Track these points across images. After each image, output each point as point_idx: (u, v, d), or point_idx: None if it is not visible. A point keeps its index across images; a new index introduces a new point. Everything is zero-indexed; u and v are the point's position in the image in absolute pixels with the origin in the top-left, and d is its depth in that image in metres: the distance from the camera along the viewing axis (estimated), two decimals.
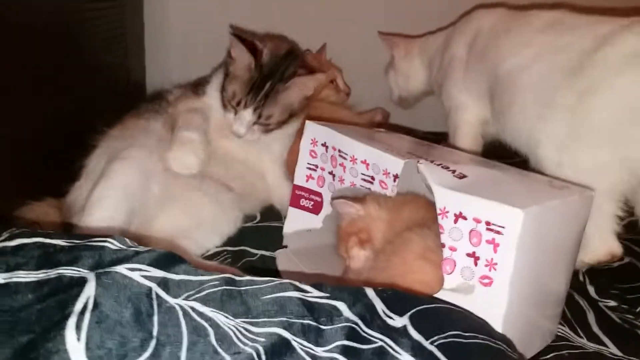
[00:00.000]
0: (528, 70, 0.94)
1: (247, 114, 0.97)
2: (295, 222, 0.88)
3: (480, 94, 1.10)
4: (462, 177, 0.65)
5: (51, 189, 0.87)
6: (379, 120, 1.40)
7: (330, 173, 0.84)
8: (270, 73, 0.98)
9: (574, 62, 0.87)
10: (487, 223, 0.58)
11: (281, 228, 0.91)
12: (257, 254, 0.88)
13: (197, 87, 1.05)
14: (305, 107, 1.06)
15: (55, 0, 0.97)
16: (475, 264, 0.59)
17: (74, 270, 0.48)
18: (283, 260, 0.85)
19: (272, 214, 1.03)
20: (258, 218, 1.01)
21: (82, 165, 0.88)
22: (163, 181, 0.84)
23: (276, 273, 0.82)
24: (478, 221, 0.58)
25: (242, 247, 0.89)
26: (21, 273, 0.46)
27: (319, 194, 0.86)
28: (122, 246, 0.53)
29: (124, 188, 0.75)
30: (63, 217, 0.83)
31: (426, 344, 0.48)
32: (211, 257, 0.86)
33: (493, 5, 1.21)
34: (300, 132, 1.06)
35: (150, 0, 1.46)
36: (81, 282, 0.46)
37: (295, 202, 0.88)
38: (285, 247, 0.88)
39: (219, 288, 0.51)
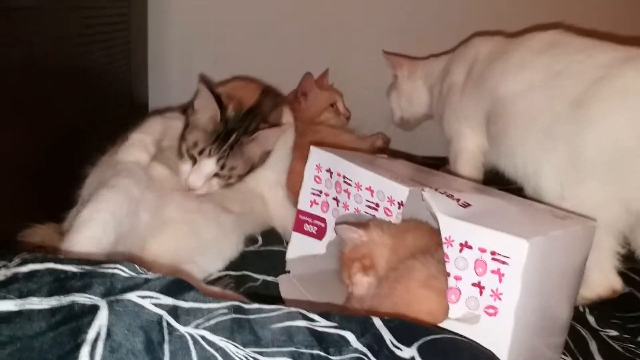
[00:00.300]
0: (525, 95, 0.94)
1: (210, 164, 0.92)
2: (299, 247, 0.88)
3: (479, 122, 1.09)
4: (466, 205, 0.66)
5: (52, 210, 0.87)
6: (380, 146, 1.41)
7: (335, 199, 0.84)
8: (234, 127, 0.95)
9: (572, 90, 0.86)
10: (493, 253, 0.59)
11: (283, 252, 0.91)
12: (259, 279, 0.88)
13: (187, 110, 1.03)
14: (264, 161, 1.02)
15: (61, 17, 0.98)
16: (481, 294, 0.60)
17: (86, 297, 0.48)
18: (286, 286, 0.86)
19: (274, 238, 1.03)
20: (260, 242, 1.01)
21: (78, 192, 0.88)
22: (154, 208, 0.84)
23: (279, 299, 0.82)
24: (483, 251, 0.59)
25: (244, 272, 0.89)
26: (34, 300, 0.46)
27: (323, 220, 0.87)
28: (132, 273, 0.53)
29: (111, 213, 0.75)
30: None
31: None
32: (214, 281, 0.86)
33: (492, 32, 1.23)
34: (298, 153, 1.07)
35: (153, 17, 1.48)
36: (93, 310, 0.46)
37: (299, 227, 0.88)
38: (288, 272, 0.89)
39: (228, 317, 0.51)
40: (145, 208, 0.82)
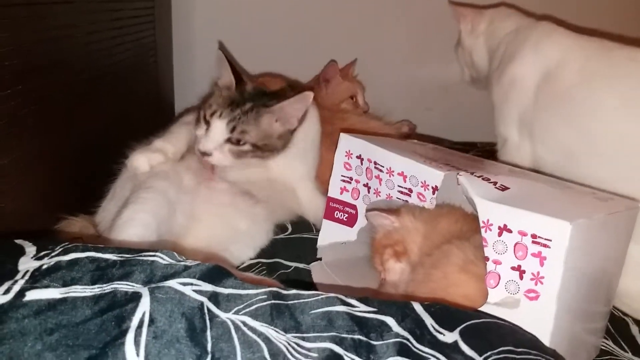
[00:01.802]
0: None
1: (220, 125, 0.89)
2: (330, 234, 0.88)
3: (546, 141, 0.94)
4: (504, 189, 0.65)
5: (83, 205, 0.89)
6: (406, 133, 1.40)
7: (365, 185, 0.84)
8: (251, 99, 0.93)
9: None
10: (533, 236, 0.57)
11: (313, 239, 0.91)
12: (291, 266, 0.88)
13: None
14: (286, 143, 0.97)
15: (90, 10, 0.98)
16: (521, 278, 0.58)
17: (128, 285, 0.48)
18: (318, 273, 0.85)
19: (304, 225, 1.03)
20: (290, 229, 1.01)
21: (109, 187, 0.89)
22: (189, 210, 0.84)
23: (312, 286, 0.82)
24: (524, 234, 0.58)
25: (275, 259, 0.89)
26: (78, 288, 0.47)
27: (354, 207, 0.86)
28: (171, 260, 0.53)
29: (152, 213, 0.75)
30: (98, 233, 0.84)
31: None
32: (246, 269, 0.86)
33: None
34: (326, 140, 1.07)
35: (177, 11, 1.48)
36: (135, 297, 0.47)
37: (329, 214, 0.88)
38: (320, 259, 0.88)
39: (268, 302, 0.51)
40: (181, 210, 0.82)
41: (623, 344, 0.73)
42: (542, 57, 0.96)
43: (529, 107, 0.97)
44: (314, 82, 1.35)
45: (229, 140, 0.90)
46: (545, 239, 0.57)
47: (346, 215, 0.87)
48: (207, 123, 0.91)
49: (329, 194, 0.88)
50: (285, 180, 1.03)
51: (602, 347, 0.70)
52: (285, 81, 1.07)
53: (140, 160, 0.85)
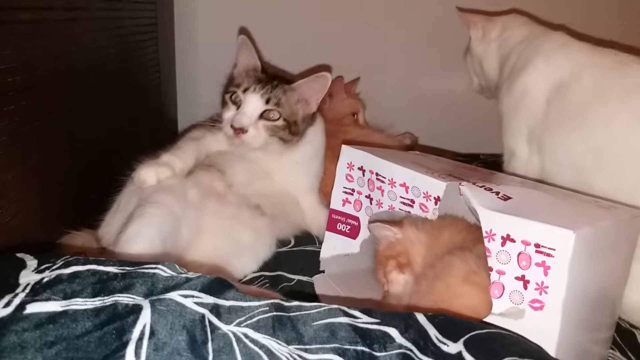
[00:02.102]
0: None
1: (255, 98, 0.94)
2: (332, 246, 0.88)
3: (557, 156, 0.91)
4: (507, 198, 0.64)
5: (86, 219, 0.89)
6: (408, 145, 1.40)
7: (368, 197, 0.83)
8: (276, 78, 0.99)
9: None
10: (537, 245, 0.57)
11: (316, 252, 0.91)
12: (294, 279, 0.88)
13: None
14: (305, 128, 1.01)
15: (92, 37, 1.00)
16: (525, 288, 0.58)
17: (129, 297, 0.48)
18: (321, 285, 0.85)
19: (306, 238, 1.02)
20: (292, 242, 1.00)
21: (113, 200, 0.89)
22: (194, 225, 0.84)
23: (315, 298, 0.81)
24: (527, 243, 0.58)
25: (278, 272, 0.89)
26: (79, 300, 0.47)
27: (356, 218, 0.86)
28: (172, 272, 0.53)
29: (157, 229, 0.75)
30: (102, 247, 0.84)
31: None
32: (249, 282, 0.86)
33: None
34: (329, 153, 1.07)
35: (180, 24, 1.50)
36: (136, 309, 0.46)
37: (331, 226, 0.88)
38: (322, 272, 0.88)
39: (269, 314, 0.51)
40: (186, 224, 0.81)
41: (631, 355, 0.71)
42: (554, 69, 0.94)
43: (539, 121, 0.95)
44: None
45: (262, 116, 0.94)
46: (549, 248, 0.56)
47: (349, 227, 0.87)
48: (236, 103, 0.95)
49: (331, 206, 0.88)
50: (290, 193, 1.04)
51: (610, 358, 0.69)
52: None
53: (148, 174, 0.85)
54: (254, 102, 0.94)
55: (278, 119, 0.95)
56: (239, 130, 0.93)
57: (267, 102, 0.94)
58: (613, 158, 0.83)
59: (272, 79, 0.98)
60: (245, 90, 0.95)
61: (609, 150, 0.83)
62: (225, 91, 0.99)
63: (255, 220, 0.91)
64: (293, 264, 0.92)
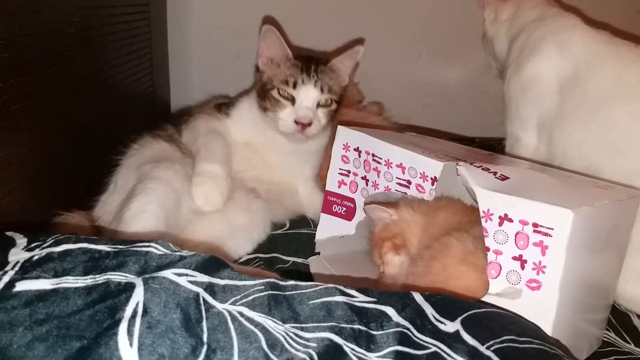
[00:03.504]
0: None
1: (311, 89, 0.92)
2: (328, 228, 0.87)
3: (567, 150, 0.87)
4: (504, 178, 0.64)
5: (77, 201, 0.87)
6: (376, 111, 1.37)
7: (364, 178, 0.83)
8: (309, 61, 0.97)
9: None
10: (535, 225, 0.56)
11: (311, 234, 0.90)
12: (289, 261, 0.87)
13: (221, 107, 1.02)
14: (342, 101, 1.01)
15: (83, 15, 0.97)
16: (522, 268, 0.58)
17: (121, 275, 0.47)
18: (316, 267, 0.84)
19: (302, 221, 1.02)
20: (287, 225, 1.00)
21: (109, 180, 0.88)
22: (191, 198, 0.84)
23: (311, 279, 0.81)
24: (525, 223, 0.57)
25: (274, 254, 0.88)
26: (69, 279, 0.46)
27: (352, 200, 0.85)
28: (166, 251, 0.52)
29: (160, 204, 0.74)
30: (99, 227, 0.83)
31: (482, 349, 0.46)
32: (244, 263, 0.85)
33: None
34: (331, 137, 1.06)
35: (173, 11, 1.47)
36: (129, 287, 0.45)
37: (327, 208, 0.87)
38: (318, 254, 0.87)
39: (265, 293, 0.50)
40: (186, 199, 0.81)
41: (625, 336, 0.72)
42: (570, 58, 0.89)
43: (550, 111, 0.91)
44: None
45: (319, 105, 0.93)
46: (547, 228, 0.56)
47: (344, 208, 0.86)
48: (288, 99, 0.93)
49: (326, 188, 0.87)
50: (290, 182, 1.04)
51: (604, 339, 0.70)
52: None
53: (216, 198, 0.84)
54: (309, 93, 0.92)
55: (331, 103, 0.95)
56: (306, 125, 0.92)
57: (322, 90, 0.93)
58: (633, 158, 0.79)
59: (309, 63, 0.95)
60: (295, 85, 0.92)
61: (628, 149, 0.79)
62: (264, 89, 0.95)
63: (250, 202, 0.91)
64: (288, 246, 0.91)
